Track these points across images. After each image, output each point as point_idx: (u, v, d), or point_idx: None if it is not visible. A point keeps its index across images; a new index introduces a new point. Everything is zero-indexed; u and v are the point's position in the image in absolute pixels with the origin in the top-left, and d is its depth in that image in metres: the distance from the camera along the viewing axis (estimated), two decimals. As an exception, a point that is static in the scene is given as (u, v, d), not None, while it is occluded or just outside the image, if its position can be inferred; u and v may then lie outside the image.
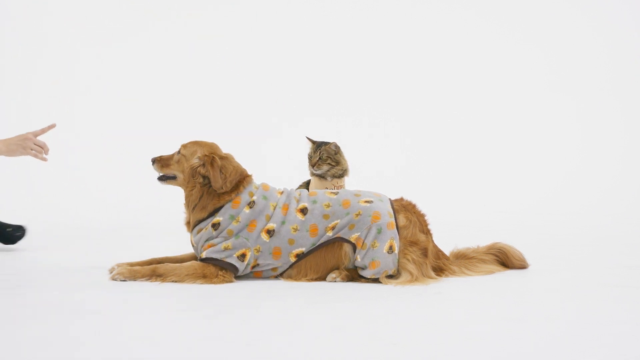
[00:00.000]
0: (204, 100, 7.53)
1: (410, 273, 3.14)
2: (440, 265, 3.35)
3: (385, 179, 6.97)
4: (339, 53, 7.75)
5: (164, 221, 5.77)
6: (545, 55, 7.77)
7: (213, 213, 3.22)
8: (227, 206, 3.21)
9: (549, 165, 7.40)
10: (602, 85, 7.65)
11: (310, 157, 4.18)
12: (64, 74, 7.39)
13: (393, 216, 3.23)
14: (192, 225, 3.29)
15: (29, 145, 3.57)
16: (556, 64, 7.74)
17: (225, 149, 3.44)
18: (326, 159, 4.13)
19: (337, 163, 4.18)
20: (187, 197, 3.32)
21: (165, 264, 3.20)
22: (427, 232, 3.35)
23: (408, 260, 3.18)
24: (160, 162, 3.38)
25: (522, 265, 3.61)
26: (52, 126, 3.61)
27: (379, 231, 3.16)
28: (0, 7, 7.33)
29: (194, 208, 3.27)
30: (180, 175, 3.33)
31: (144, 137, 7.29)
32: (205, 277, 3.11)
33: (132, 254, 3.83)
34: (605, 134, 7.54)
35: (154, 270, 3.14)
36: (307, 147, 4.30)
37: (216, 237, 3.18)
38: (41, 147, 3.61)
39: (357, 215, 3.20)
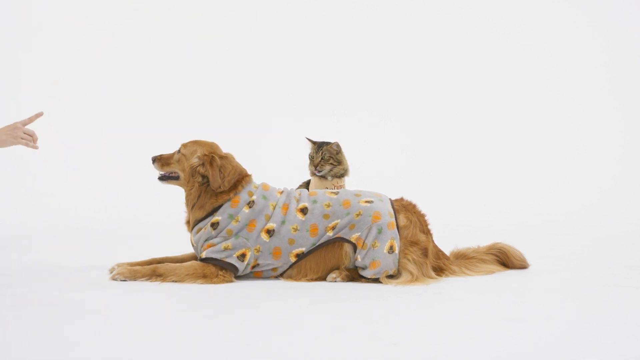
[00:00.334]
0: (204, 100, 7.53)
1: (411, 273, 3.14)
2: (440, 265, 3.35)
3: (385, 179, 6.97)
4: (339, 53, 7.75)
5: (164, 221, 5.77)
6: (545, 55, 7.77)
7: (212, 212, 3.22)
8: (225, 205, 3.21)
9: (549, 165, 7.39)
10: (602, 85, 7.65)
11: (311, 158, 4.18)
12: (64, 74, 7.39)
13: (393, 216, 3.23)
14: (192, 224, 3.29)
15: (19, 134, 3.57)
16: (556, 64, 7.74)
17: (225, 148, 3.44)
18: (328, 159, 4.13)
19: (339, 163, 4.18)
20: (187, 197, 3.33)
21: (166, 264, 3.20)
22: (428, 232, 3.35)
23: (408, 260, 3.18)
24: (160, 161, 3.38)
25: (523, 266, 3.61)
26: (39, 114, 3.61)
27: (380, 231, 3.16)
28: (0, 7, 7.33)
29: (193, 207, 3.28)
30: (181, 174, 3.33)
31: (143, 137, 7.29)
32: (205, 277, 3.11)
33: (132, 254, 3.83)
34: (605, 134, 7.54)
35: (154, 270, 3.14)
36: (308, 148, 4.29)
37: (215, 236, 3.18)
38: (30, 135, 3.61)
39: (357, 215, 3.20)
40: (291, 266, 3.22)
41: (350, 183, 4.40)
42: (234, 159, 3.36)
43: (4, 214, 5.96)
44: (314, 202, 3.26)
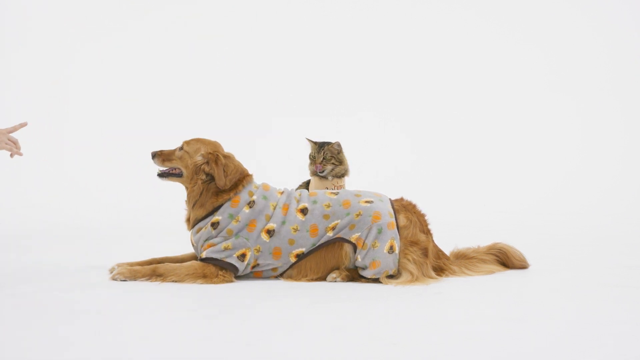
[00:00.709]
0: (204, 100, 7.53)
1: (411, 273, 3.15)
2: (440, 265, 3.35)
3: (385, 179, 6.97)
4: (339, 53, 7.75)
5: (164, 221, 5.77)
6: (545, 55, 7.77)
7: (212, 212, 3.22)
8: (226, 205, 3.21)
9: (549, 166, 7.39)
10: (602, 85, 7.64)
11: (313, 158, 4.18)
12: (64, 74, 7.39)
13: (393, 216, 3.23)
14: (192, 223, 3.29)
15: (4, 139, 3.60)
16: (556, 64, 7.74)
17: (225, 148, 3.44)
18: (330, 159, 4.14)
19: (340, 162, 4.19)
20: (188, 194, 3.32)
21: (166, 263, 3.20)
22: (428, 232, 3.35)
23: (408, 260, 3.18)
24: (161, 156, 3.37)
25: (523, 266, 3.61)
26: (23, 124, 3.63)
27: (380, 231, 3.16)
28: (0, 7, 7.33)
29: (194, 205, 3.28)
30: (184, 171, 3.34)
31: (143, 136, 7.28)
32: (205, 277, 3.11)
33: (132, 254, 3.83)
34: (605, 134, 7.54)
35: (154, 270, 3.14)
36: (308, 148, 4.29)
37: (215, 236, 3.18)
38: (14, 142, 3.63)
39: (357, 215, 3.20)
40: (291, 266, 3.22)
41: (351, 183, 4.40)
42: (235, 158, 3.36)
43: (4, 214, 5.96)
44: (314, 202, 3.26)
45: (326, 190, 3.45)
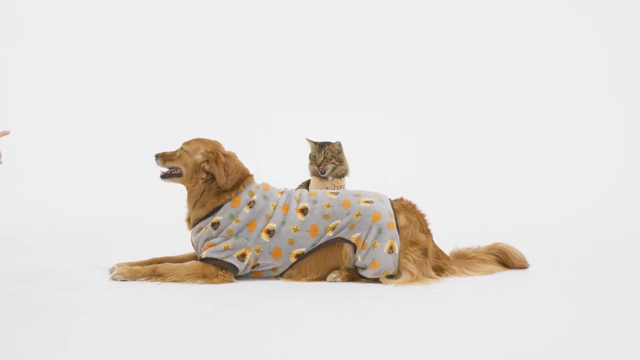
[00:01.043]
0: (204, 100, 7.53)
1: (411, 273, 3.15)
2: (440, 265, 3.35)
3: (385, 179, 6.97)
4: (339, 53, 7.75)
5: (164, 221, 5.77)
6: (545, 55, 7.77)
7: (213, 212, 3.22)
8: (226, 205, 3.21)
9: (549, 166, 7.39)
10: (602, 86, 7.65)
11: (313, 158, 4.18)
12: (63, 74, 7.39)
13: (393, 216, 3.23)
14: (192, 223, 3.29)
15: None
16: (556, 64, 7.74)
17: (226, 148, 3.44)
18: (331, 159, 4.14)
19: (341, 162, 4.19)
20: (189, 194, 3.32)
21: (165, 263, 3.20)
22: (427, 232, 3.35)
23: (408, 260, 3.18)
24: (163, 157, 3.38)
25: (523, 266, 3.61)
26: (5, 132, 3.62)
27: (380, 231, 3.16)
28: (0, 7, 7.33)
29: (194, 205, 3.28)
30: (183, 170, 3.34)
31: (143, 136, 7.28)
32: (205, 277, 3.11)
33: (132, 254, 3.83)
34: (605, 134, 7.54)
35: (154, 270, 3.14)
36: (308, 148, 4.29)
37: (216, 236, 3.18)
38: None
39: (357, 215, 3.20)
40: (291, 266, 3.22)
41: (351, 183, 4.40)
42: (236, 157, 3.36)
43: (4, 214, 5.96)
44: (314, 202, 3.26)
45: (326, 190, 3.44)
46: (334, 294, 2.91)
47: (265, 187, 3.32)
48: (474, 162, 7.45)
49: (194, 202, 3.28)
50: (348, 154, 4.33)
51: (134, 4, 7.58)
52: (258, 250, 3.18)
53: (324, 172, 4.14)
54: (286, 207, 3.25)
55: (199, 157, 3.29)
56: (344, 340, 2.19)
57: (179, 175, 3.36)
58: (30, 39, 7.37)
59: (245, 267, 3.18)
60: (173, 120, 7.37)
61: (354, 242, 3.18)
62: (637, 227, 5.71)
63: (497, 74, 7.74)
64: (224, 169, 3.24)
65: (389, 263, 3.15)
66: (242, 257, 3.15)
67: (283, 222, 3.21)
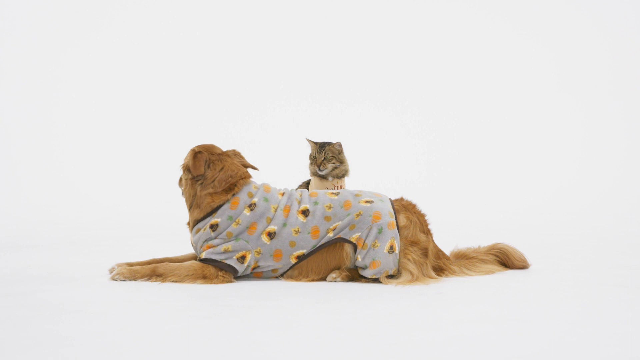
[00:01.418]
0: (204, 100, 7.53)
1: (411, 273, 3.14)
2: (440, 265, 3.35)
3: (385, 179, 6.97)
4: (341, 50, 7.75)
5: (164, 222, 5.77)
6: (547, 56, 7.77)
7: (210, 213, 3.21)
8: (225, 207, 3.20)
9: (550, 166, 7.39)
10: (605, 86, 7.65)
11: (314, 158, 4.18)
12: (63, 75, 7.39)
13: (394, 216, 3.23)
14: (191, 224, 3.29)
15: None
16: (558, 65, 7.74)
17: (224, 148, 3.44)
18: (331, 159, 4.13)
19: (341, 162, 4.18)
20: (185, 197, 3.34)
21: (165, 263, 3.20)
22: (428, 232, 3.35)
23: (409, 260, 3.18)
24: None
25: (523, 266, 3.60)
26: None
27: (380, 231, 3.16)
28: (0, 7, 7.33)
29: (190, 207, 3.28)
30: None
31: (143, 137, 7.29)
32: (205, 278, 3.11)
33: (132, 254, 3.83)
34: (608, 134, 7.54)
35: (153, 270, 3.14)
36: (308, 149, 4.29)
37: (214, 238, 3.18)
38: None
39: (357, 215, 3.19)
40: (292, 267, 3.22)
41: (351, 183, 4.40)
42: (232, 158, 3.34)
43: (4, 214, 5.96)
44: (315, 203, 3.25)
45: (327, 190, 3.44)
46: (334, 294, 2.91)
47: (266, 188, 3.31)
48: (474, 162, 7.45)
49: (190, 203, 3.29)
50: (348, 154, 4.33)
51: (130, 4, 7.58)
52: (259, 253, 3.18)
53: (323, 171, 4.14)
54: (287, 209, 3.24)
55: (185, 159, 3.31)
56: (344, 340, 2.18)
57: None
58: (30, 39, 7.38)
59: (246, 269, 3.18)
60: (173, 120, 7.37)
61: (354, 242, 3.18)
62: (638, 227, 5.71)
63: (499, 74, 7.74)
64: (209, 166, 3.23)
65: (389, 263, 3.15)
66: (242, 259, 3.15)
67: (284, 224, 3.20)
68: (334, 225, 3.20)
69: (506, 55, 7.76)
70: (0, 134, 6.99)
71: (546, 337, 2.23)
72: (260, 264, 3.20)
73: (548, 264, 3.76)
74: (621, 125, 7.54)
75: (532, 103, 7.68)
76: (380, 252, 3.14)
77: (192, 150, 3.30)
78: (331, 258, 3.21)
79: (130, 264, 3.26)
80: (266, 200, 3.24)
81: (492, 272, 3.46)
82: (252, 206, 3.20)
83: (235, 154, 3.38)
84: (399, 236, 3.19)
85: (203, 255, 3.17)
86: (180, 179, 3.40)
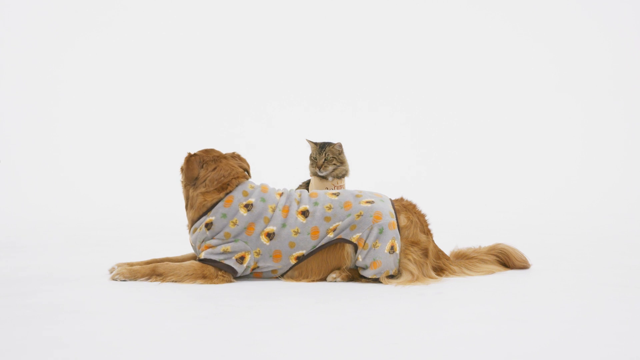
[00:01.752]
0: (204, 101, 7.53)
1: (411, 273, 3.14)
2: (440, 265, 3.35)
3: (385, 179, 6.97)
4: (340, 53, 7.75)
5: (164, 221, 5.77)
6: (547, 56, 7.77)
7: (205, 212, 3.22)
8: (218, 205, 3.20)
9: (551, 166, 7.39)
10: (605, 87, 7.65)
11: (314, 159, 4.17)
12: (64, 74, 7.39)
13: (394, 216, 3.22)
14: (189, 225, 3.31)
15: None
16: (559, 66, 7.74)
17: (223, 148, 3.44)
18: (332, 160, 4.13)
19: (342, 163, 4.18)
20: (184, 199, 3.36)
21: (165, 263, 3.20)
22: (428, 232, 3.35)
23: (409, 260, 3.18)
24: None
25: (524, 267, 3.60)
26: None
27: (381, 231, 3.15)
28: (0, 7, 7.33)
29: (186, 207, 3.30)
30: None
31: (143, 137, 7.29)
32: (205, 278, 3.11)
33: (132, 254, 3.83)
34: (608, 135, 7.54)
35: (153, 269, 3.14)
36: (308, 149, 4.29)
37: (210, 237, 3.18)
38: None
39: (358, 216, 3.19)
40: (291, 268, 3.21)
41: (351, 183, 4.40)
42: (232, 159, 3.35)
43: (4, 214, 5.96)
44: (315, 204, 3.25)
45: (327, 190, 3.43)
46: (334, 294, 2.91)
47: (264, 188, 3.31)
48: (474, 162, 7.45)
49: (186, 205, 3.32)
50: (348, 154, 4.33)
51: (122, 4, 7.58)
52: (258, 253, 3.18)
53: (324, 172, 4.14)
54: (286, 210, 3.24)
55: (182, 164, 3.36)
56: (344, 340, 2.18)
57: None
58: (30, 39, 7.37)
59: (245, 270, 3.18)
60: (173, 120, 7.37)
61: (355, 242, 3.17)
62: (638, 227, 5.71)
63: (498, 74, 7.74)
64: (203, 167, 3.26)
65: (389, 263, 3.14)
66: (241, 259, 3.15)
67: (283, 225, 3.20)
68: (334, 225, 3.20)
69: (506, 55, 7.76)
70: (0, 134, 6.99)
71: (546, 337, 2.23)
72: (259, 264, 3.20)
73: (548, 264, 3.75)
74: (621, 125, 7.54)
75: (532, 103, 7.68)
76: (381, 252, 3.14)
77: (187, 153, 3.33)
78: (332, 258, 3.21)
79: (131, 264, 3.26)
80: (263, 200, 3.24)
81: (492, 272, 3.46)
82: (248, 206, 3.20)
83: (233, 156, 3.39)
84: (399, 236, 3.19)
85: (202, 256, 3.17)
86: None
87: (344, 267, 3.22)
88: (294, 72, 7.64)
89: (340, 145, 4.19)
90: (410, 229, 3.25)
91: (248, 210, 3.19)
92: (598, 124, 7.58)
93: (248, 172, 3.40)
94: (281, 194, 3.32)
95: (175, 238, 4.73)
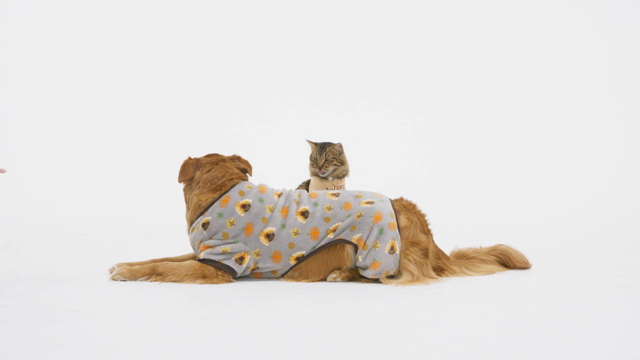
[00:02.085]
0: (204, 101, 7.52)
1: (412, 273, 3.14)
2: (440, 265, 3.35)
3: (385, 179, 6.97)
4: (340, 54, 7.75)
5: (164, 221, 5.77)
6: (547, 56, 7.76)
7: (202, 213, 3.22)
8: (214, 205, 3.21)
9: (551, 166, 7.39)
10: (605, 86, 7.64)
11: (315, 160, 4.17)
12: (64, 74, 7.39)
13: (394, 216, 3.22)
14: (188, 226, 3.31)
15: None
16: (558, 65, 7.74)
17: (223, 149, 3.45)
18: (332, 160, 4.12)
19: (342, 163, 4.18)
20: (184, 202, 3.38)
21: (165, 262, 3.21)
22: (428, 233, 3.35)
23: (409, 260, 3.18)
24: None
25: (525, 268, 3.60)
26: (1, 170, 3.61)
27: (381, 231, 3.15)
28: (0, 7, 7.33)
29: (186, 208, 3.31)
30: None
31: (143, 138, 7.29)
32: (204, 277, 3.11)
33: (132, 254, 3.83)
34: (608, 134, 7.54)
35: (153, 268, 3.14)
36: (308, 149, 4.28)
37: (208, 238, 3.18)
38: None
39: (358, 216, 3.19)
40: (291, 268, 3.21)
41: (351, 183, 4.39)
42: (230, 162, 3.35)
43: (4, 214, 5.96)
44: (315, 204, 3.24)
45: (327, 191, 3.43)
46: (334, 294, 2.91)
47: (262, 189, 3.30)
48: (475, 162, 7.44)
49: (185, 205, 3.33)
50: (348, 155, 4.32)
51: (130, 4, 7.58)
52: (257, 254, 3.18)
53: (324, 173, 4.13)
54: (285, 210, 3.23)
55: None
56: (344, 340, 2.18)
57: None
58: (30, 39, 7.37)
59: (245, 270, 3.18)
60: (173, 120, 7.37)
61: (355, 242, 3.17)
62: (638, 227, 5.71)
63: (498, 74, 7.74)
64: (198, 168, 3.30)
65: (389, 263, 3.14)
66: (240, 260, 3.15)
67: (283, 226, 3.19)
68: (334, 226, 3.19)
69: (505, 55, 7.76)
70: (1, 134, 6.99)
71: (546, 337, 2.23)
72: (259, 265, 3.20)
73: (548, 264, 3.75)
74: (621, 125, 7.54)
75: (532, 103, 7.68)
76: (381, 253, 3.13)
77: (187, 157, 3.38)
78: (332, 259, 3.21)
79: (131, 264, 3.27)
80: (261, 200, 3.23)
81: (492, 272, 3.46)
82: (246, 206, 3.20)
83: (232, 158, 3.40)
84: (399, 237, 3.19)
85: (201, 256, 3.17)
86: None
87: (344, 267, 3.22)
88: (294, 72, 7.64)
89: (340, 146, 4.18)
90: (411, 229, 3.25)
91: (245, 211, 3.19)
92: (598, 124, 7.58)
93: (246, 173, 3.39)
94: (280, 195, 3.31)
95: (175, 238, 4.73)
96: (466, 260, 3.48)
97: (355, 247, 3.18)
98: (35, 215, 6.04)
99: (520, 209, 6.70)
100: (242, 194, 3.24)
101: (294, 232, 3.18)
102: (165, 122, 7.34)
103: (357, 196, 3.28)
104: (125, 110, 7.39)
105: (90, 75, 7.43)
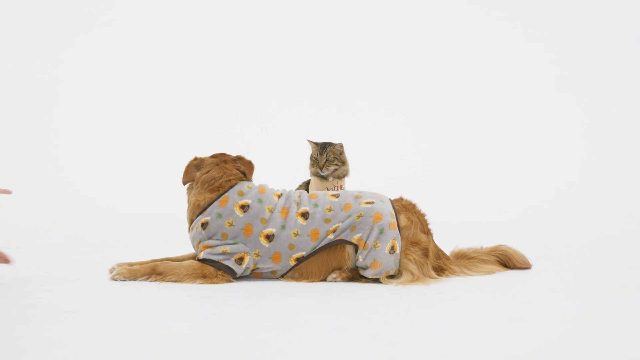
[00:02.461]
0: (204, 101, 7.52)
1: (412, 273, 3.14)
2: (440, 265, 3.35)
3: (385, 179, 6.96)
4: (340, 54, 7.75)
5: (164, 221, 5.76)
6: (548, 56, 7.76)
7: (200, 212, 3.22)
8: (213, 205, 3.21)
9: (551, 166, 7.39)
10: (605, 86, 7.64)
11: (315, 159, 4.17)
12: (64, 74, 7.39)
13: (394, 216, 3.22)
14: (188, 225, 3.32)
15: None
16: (558, 65, 7.73)
17: (222, 149, 3.45)
18: (333, 160, 4.12)
19: (343, 163, 4.18)
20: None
21: (165, 262, 3.21)
22: (428, 232, 3.35)
23: (409, 260, 3.18)
24: None
25: (525, 268, 3.60)
26: (7, 191, 3.61)
27: (381, 231, 3.15)
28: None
29: (187, 208, 3.32)
30: None
31: (143, 138, 7.29)
32: (204, 277, 3.11)
33: (132, 254, 3.83)
34: (608, 134, 7.53)
35: (153, 268, 3.14)
36: (308, 149, 4.28)
37: (207, 238, 3.18)
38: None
39: (358, 216, 3.19)
40: (291, 269, 3.21)
41: (351, 183, 4.39)
42: (231, 163, 3.35)
43: (4, 214, 5.96)
44: (315, 205, 3.24)
45: (327, 191, 3.43)
46: (334, 294, 2.91)
47: (261, 189, 3.30)
48: (474, 162, 7.44)
49: (187, 206, 3.35)
50: (349, 154, 4.32)
51: (130, 4, 7.58)
52: (257, 255, 3.18)
53: (325, 173, 4.13)
54: (285, 211, 3.23)
55: None
56: (344, 340, 2.18)
57: None
58: (30, 39, 7.37)
59: (244, 271, 3.18)
60: (173, 120, 7.36)
61: (355, 243, 3.17)
62: (638, 227, 5.70)
63: (497, 74, 7.74)
64: (198, 168, 3.32)
65: (390, 263, 3.14)
66: (240, 260, 3.15)
67: (283, 227, 3.19)
68: (334, 227, 3.19)
69: (505, 55, 7.76)
70: (1, 134, 6.99)
71: (546, 337, 2.23)
72: (259, 265, 3.20)
73: (548, 264, 3.75)
74: (621, 125, 7.54)
75: (532, 103, 7.68)
76: (382, 253, 3.13)
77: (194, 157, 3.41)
78: (332, 259, 3.21)
79: (130, 264, 3.26)
80: (260, 201, 3.23)
81: (492, 272, 3.46)
82: (244, 207, 3.19)
83: (234, 159, 3.40)
84: (400, 236, 3.19)
85: (201, 256, 3.17)
86: None
87: (345, 267, 3.22)
88: (293, 72, 7.64)
89: (341, 146, 4.18)
90: (411, 229, 3.25)
91: (244, 211, 3.18)
92: (598, 124, 7.57)
93: (245, 175, 3.38)
94: (280, 195, 3.31)
95: (175, 238, 4.73)
96: (466, 260, 3.48)
97: (356, 247, 3.18)
98: (35, 215, 6.04)
99: (520, 209, 6.70)
100: (241, 194, 3.24)
101: (294, 233, 3.18)
102: (165, 122, 7.34)
103: (357, 196, 3.28)
104: (125, 111, 7.38)
105: (91, 75, 7.43)
